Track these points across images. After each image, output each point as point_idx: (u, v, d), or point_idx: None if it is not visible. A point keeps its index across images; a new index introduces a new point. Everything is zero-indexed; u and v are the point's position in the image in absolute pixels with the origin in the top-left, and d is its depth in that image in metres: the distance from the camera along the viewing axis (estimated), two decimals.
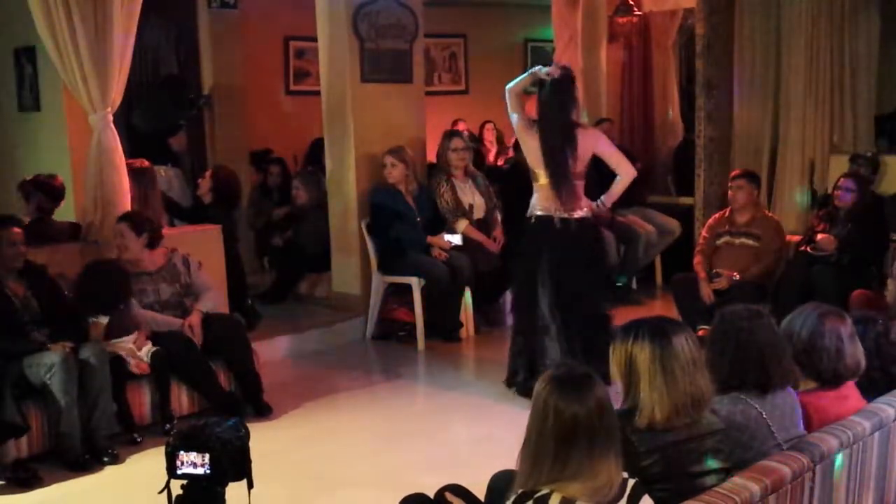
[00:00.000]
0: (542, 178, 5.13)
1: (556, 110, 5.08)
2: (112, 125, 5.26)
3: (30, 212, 5.64)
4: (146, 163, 5.95)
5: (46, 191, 5.64)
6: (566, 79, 5.11)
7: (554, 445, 2.15)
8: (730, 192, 6.22)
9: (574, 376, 2.24)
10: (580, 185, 5.15)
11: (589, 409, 2.16)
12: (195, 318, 5.10)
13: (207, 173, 6.83)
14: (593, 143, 5.18)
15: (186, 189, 7.39)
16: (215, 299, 5.40)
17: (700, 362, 2.56)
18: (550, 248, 5.13)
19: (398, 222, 6.51)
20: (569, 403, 2.16)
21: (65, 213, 5.88)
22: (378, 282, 6.69)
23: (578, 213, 5.12)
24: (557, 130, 5.07)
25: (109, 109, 5.22)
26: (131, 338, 4.84)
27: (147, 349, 4.86)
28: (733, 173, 6.37)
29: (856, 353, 3.00)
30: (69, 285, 4.91)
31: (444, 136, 6.97)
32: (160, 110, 7.40)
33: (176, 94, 7.75)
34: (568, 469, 2.14)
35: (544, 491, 2.13)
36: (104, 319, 4.75)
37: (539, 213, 5.17)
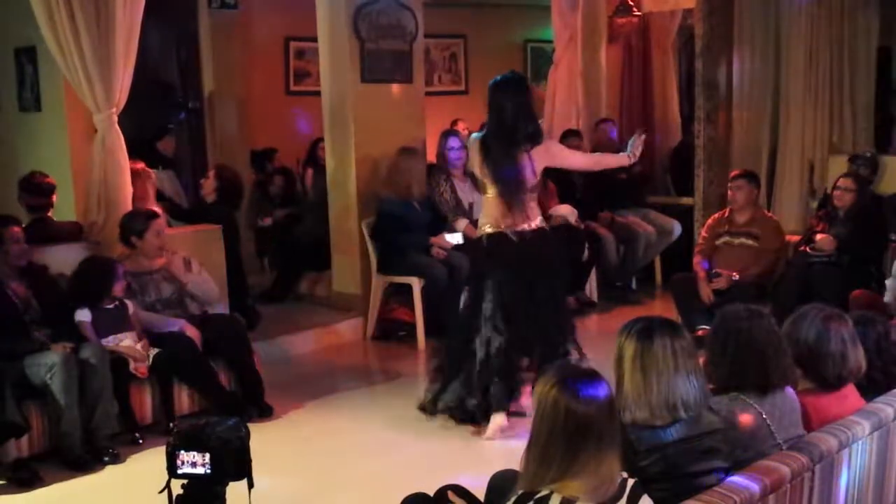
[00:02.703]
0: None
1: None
2: (117, 125, 5.26)
3: (26, 213, 5.61)
4: (141, 164, 5.93)
5: (26, 187, 5.52)
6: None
7: (564, 445, 2.13)
8: (729, 192, 6.23)
9: (584, 375, 2.23)
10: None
11: (601, 408, 2.16)
12: (186, 325, 5.08)
13: (211, 173, 6.83)
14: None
15: (181, 191, 7.38)
16: (212, 286, 5.42)
17: (685, 369, 2.52)
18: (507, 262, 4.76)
19: (405, 233, 6.48)
20: (582, 403, 2.15)
21: (66, 212, 5.88)
22: (378, 282, 6.70)
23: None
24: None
25: (114, 109, 5.21)
26: (129, 336, 4.84)
27: (152, 353, 4.87)
28: (733, 173, 6.37)
29: (858, 356, 3.00)
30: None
31: (441, 136, 7.01)
32: (145, 115, 7.34)
33: (162, 98, 7.70)
34: (574, 466, 2.13)
35: (545, 492, 2.12)
36: (86, 316, 4.74)
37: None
